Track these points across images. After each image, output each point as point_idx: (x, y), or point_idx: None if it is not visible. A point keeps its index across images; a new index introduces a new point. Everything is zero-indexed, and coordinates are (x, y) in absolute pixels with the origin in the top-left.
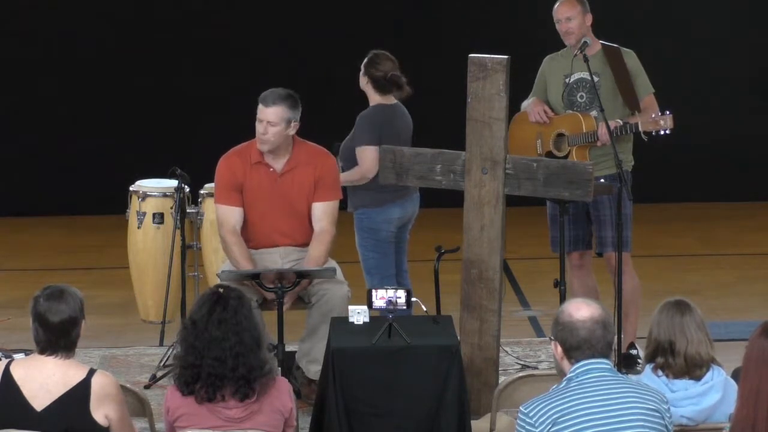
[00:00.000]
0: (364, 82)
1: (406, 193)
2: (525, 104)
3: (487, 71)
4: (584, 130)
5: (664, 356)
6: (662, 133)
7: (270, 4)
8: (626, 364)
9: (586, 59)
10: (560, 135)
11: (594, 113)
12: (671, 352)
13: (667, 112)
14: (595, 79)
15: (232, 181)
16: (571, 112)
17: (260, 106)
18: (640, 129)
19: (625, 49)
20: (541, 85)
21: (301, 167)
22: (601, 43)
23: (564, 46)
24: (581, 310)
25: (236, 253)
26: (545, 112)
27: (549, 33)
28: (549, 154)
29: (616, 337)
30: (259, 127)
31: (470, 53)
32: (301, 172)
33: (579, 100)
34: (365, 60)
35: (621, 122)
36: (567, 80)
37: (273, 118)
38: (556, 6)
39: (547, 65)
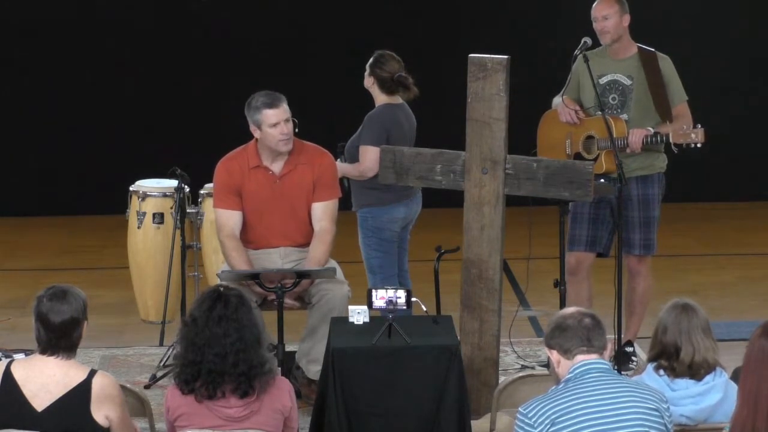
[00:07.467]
0: (369, 83)
1: (410, 193)
2: (556, 101)
3: (487, 71)
4: (615, 135)
5: (669, 360)
6: (692, 146)
7: (270, 4)
8: (620, 361)
9: (586, 59)
10: (589, 137)
11: (625, 117)
12: (676, 357)
13: (698, 125)
14: (628, 82)
15: (231, 185)
16: (601, 114)
17: (271, 111)
18: (671, 140)
19: (661, 54)
20: (574, 84)
21: (300, 168)
22: (638, 46)
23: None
24: (569, 309)
25: (235, 257)
26: (576, 113)
27: (550, 33)
28: (578, 156)
29: (614, 336)
30: (284, 128)
31: (470, 53)
32: (299, 173)
33: (611, 101)
34: (370, 60)
35: (652, 131)
36: (600, 81)
37: (287, 114)
38: (594, 4)
39: (581, 64)
